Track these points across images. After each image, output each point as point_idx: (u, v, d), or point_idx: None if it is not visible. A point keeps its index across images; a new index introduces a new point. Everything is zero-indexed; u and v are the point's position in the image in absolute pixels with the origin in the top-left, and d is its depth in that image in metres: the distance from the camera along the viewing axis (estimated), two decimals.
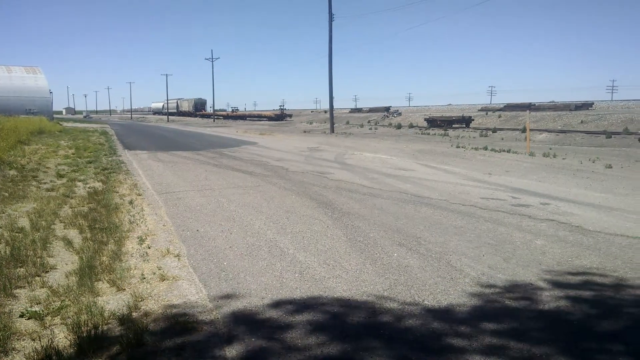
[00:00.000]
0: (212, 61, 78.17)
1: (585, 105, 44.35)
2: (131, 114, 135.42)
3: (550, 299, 4.44)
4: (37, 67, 62.32)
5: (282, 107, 79.25)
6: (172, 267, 5.38)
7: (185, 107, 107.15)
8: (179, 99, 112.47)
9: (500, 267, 5.35)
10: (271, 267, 5.33)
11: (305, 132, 40.54)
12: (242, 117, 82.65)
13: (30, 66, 62.16)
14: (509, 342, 3.63)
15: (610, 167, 13.66)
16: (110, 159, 16.96)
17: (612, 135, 22.77)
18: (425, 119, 40.91)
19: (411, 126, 40.24)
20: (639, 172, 12.81)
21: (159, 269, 5.25)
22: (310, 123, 56.71)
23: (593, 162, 14.89)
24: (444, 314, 4.15)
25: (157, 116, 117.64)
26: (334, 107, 41.43)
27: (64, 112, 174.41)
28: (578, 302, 4.39)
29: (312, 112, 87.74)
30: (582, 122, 28.99)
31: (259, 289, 4.71)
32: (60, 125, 47.03)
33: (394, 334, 3.77)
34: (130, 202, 8.89)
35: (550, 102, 59.90)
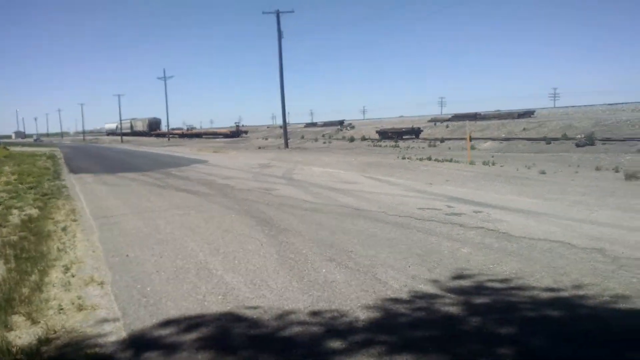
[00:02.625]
0: (165, 80, 77.26)
1: (528, 113, 45.99)
2: (84, 136, 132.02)
3: (451, 306, 4.58)
4: None
5: (237, 124, 78.78)
6: (93, 295, 5.27)
7: (140, 127, 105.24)
8: (132, 119, 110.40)
9: (423, 277, 5.48)
10: (195, 291, 5.29)
11: (259, 148, 40.48)
12: (198, 135, 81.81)
13: None
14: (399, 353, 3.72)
15: (544, 172, 14.20)
16: (52, 183, 16.47)
17: (552, 141, 23.69)
18: (377, 132, 41.54)
19: (364, 139, 40.78)
20: (571, 177, 13.36)
21: (79, 299, 5.13)
22: (266, 139, 56.65)
23: (529, 169, 15.44)
24: (349, 327, 4.21)
25: (111, 137, 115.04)
26: (289, 122, 41.65)
27: (13, 136, 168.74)
28: (478, 307, 4.54)
29: (268, 127, 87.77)
30: (524, 129, 30.05)
31: (178, 314, 4.66)
32: (7, 150, 45.43)
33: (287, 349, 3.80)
34: (64, 229, 8.66)
35: (495, 110, 61.91)
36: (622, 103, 61.07)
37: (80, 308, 4.87)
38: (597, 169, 14.49)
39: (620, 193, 10.42)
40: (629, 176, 11.94)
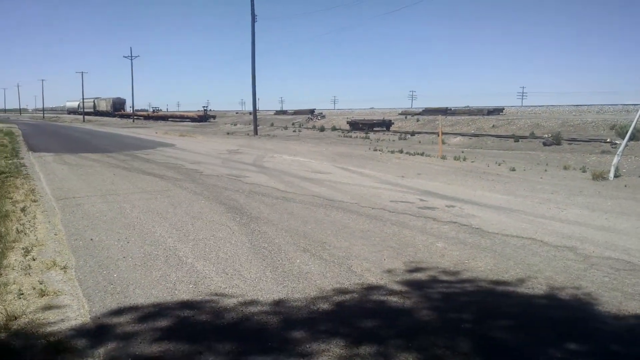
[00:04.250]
0: (132, 59, 75.25)
1: (497, 110, 46.70)
2: (43, 113, 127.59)
3: (427, 301, 4.52)
4: None
5: (205, 108, 77.43)
6: (55, 280, 4.99)
7: (103, 106, 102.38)
8: (96, 98, 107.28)
9: (399, 270, 5.40)
10: (165, 278, 5.07)
11: (228, 133, 39.90)
12: (164, 118, 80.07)
13: None
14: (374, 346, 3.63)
15: (514, 170, 14.39)
16: (10, 161, 15.76)
17: (520, 139, 24.08)
18: (348, 122, 41.46)
19: (334, 129, 40.66)
20: (539, 175, 13.57)
21: (41, 284, 4.85)
22: (235, 125, 55.91)
23: (499, 165, 15.63)
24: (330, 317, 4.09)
25: (72, 116, 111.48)
26: (259, 108, 41.16)
27: None
28: (454, 302, 4.49)
29: (237, 113, 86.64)
30: (493, 126, 30.48)
31: (147, 302, 4.45)
32: None
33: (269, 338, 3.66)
34: (23, 209, 8.24)
35: (465, 107, 62.64)
36: (587, 105, 62.56)
37: (42, 293, 4.59)
38: (565, 168, 14.77)
39: (588, 192, 10.61)
40: (596, 176, 12.19)
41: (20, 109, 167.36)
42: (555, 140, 21.63)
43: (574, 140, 22.05)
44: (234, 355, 3.54)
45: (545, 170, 14.45)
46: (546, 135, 23.43)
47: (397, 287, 4.89)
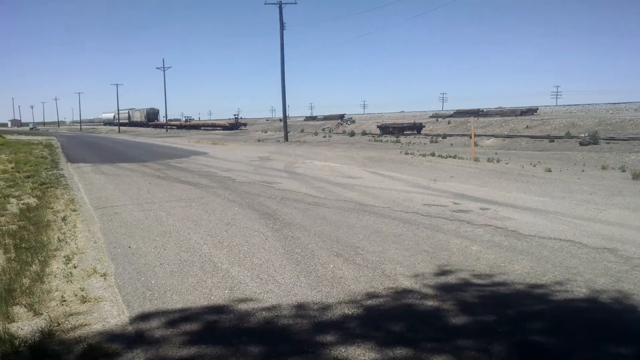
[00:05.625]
0: (164, 70, 76.96)
1: (531, 111, 45.85)
2: (80, 125, 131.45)
3: (463, 305, 4.45)
4: None
5: (236, 116, 78.48)
6: (96, 287, 5.13)
7: (137, 117, 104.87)
8: (130, 109, 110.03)
9: (433, 274, 5.35)
10: (201, 284, 5.16)
11: (259, 140, 40.30)
12: (196, 127, 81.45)
13: None
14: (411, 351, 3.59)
15: (549, 171, 14.09)
16: (50, 172, 16.29)
17: (555, 139, 23.58)
18: (378, 126, 41.37)
19: (364, 133, 40.61)
20: (576, 175, 13.25)
21: (82, 290, 5.00)
22: (265, 132, 56.44)
23: (534, 167, 15.33)
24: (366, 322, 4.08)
25: (108, 127, 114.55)
26: (289, 115, 41.44)
27: (9, 125, 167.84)
28: (491, 305, 4.42)
29: (267, 120, 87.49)
30: (527, 127, 29.93)
31: (184, 308, 4.53)
32: (3, 138, 45.20)
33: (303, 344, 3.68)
34: (64, 219, 8.51)
35: (498, 107, 61.72)
36: (625, 103, 60.74)
37: (83, 300, 4.73)
38: (603, 167, 14.39)
39: (628, 192, 10.31)
40: (637, 175, 11.83)
41: (58, 121, 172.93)
42: (593, 140, 21.09)
43: (612, 139, 21.46)
44: (269, 358, 3.57)
45: (583, 171, 14.10)
46: (582, 135, 22.87)
47: (431, 291, 4.85)
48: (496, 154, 19.88)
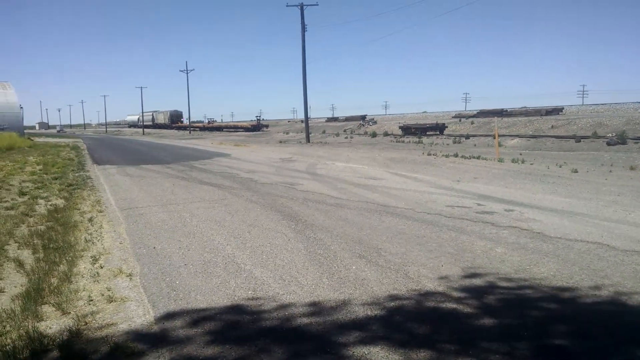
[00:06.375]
0: (187, 72, 77.86)
1: (556, 110, 45.09)
2: (106, 128, 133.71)
3: (488, 308, 4.40)
4: (7, 83, 61.07)
5: (258, 118, 79.10)
6: (122, 287, 5.22)
7: (161, 119, 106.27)
8: (154, 112, 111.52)
9: (457, 277, 5.30)
10: (225, 285, 5.20)
11: (281, 142, 40.45)
12: (219, 129, 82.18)
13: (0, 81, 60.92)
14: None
15: (576, 171, 13.84)
16: (77, 174, 16.62)
17: (581, 140, 23.15)
18: (400, 127, 41.16)
19: (386, 134, 40.44)
20: (604, 176, 12.99)
21: (108, 290, 5.08)
22: (287, 133, 56.64)
23: (560, 167, 15.07)
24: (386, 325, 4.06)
25: (132, 129, 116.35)
26: (311, 116, 41.54)
27: (37, 127, 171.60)
28: (516, 309, 4.35)
29: (288, 121, 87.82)
30: (552, 127, 29.44)
31: (208, 308, 4.57)
32: (31, 140, 46.21)
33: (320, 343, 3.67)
34: (90, 220, 8.67)
35: (522, 107, 60.87)
36: None
37: (110, 300, 4.81)
38: (632, 168, 14.07)
39: None
40: None
41: (84, 124, 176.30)
42: (620, 140, 20.64)
43: None
44: (292, 358, 3.58)
45: (610, 172, 13.81)
46: (610, 135, 22.40)
47: (455, 294, 4.80)
48: (521, 154, 19.59)
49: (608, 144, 20.68)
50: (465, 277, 5.30)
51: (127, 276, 5.57)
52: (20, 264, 6.09)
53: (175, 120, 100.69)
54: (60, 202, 10.61)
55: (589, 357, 3.59)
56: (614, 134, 22.02)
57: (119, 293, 5.02)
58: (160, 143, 43.88)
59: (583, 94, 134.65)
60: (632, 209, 8.67)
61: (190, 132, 75.69)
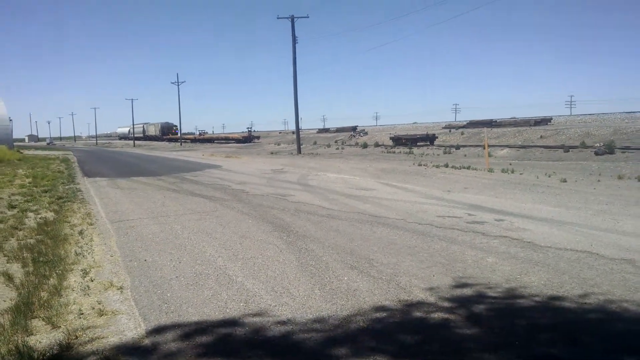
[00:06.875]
0: (178, 85, 77.90)
1: (545, 121, 45.47)
2: (96, 140, 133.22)
3: (480, 319, 4.42)
4: None
5: (249, 129, 79.02)
6: (113, 300, 5.18)
7: (152, 131, 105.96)
8: (145, 124, 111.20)
9: (448, 287, 5.32)
10: (216, 297, 5.18)
11: (272, 153, 40.49)
12: (210, 140, 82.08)
13: None
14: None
15: (565, 181, 13.97)
16: (67, 187, 16.51)
17: (570, 149, 23.37)
18: (391, 138, 41.34)
19: (377, 145, 40.60)
20: (592, 185, 13.12)
21: (99, 304, 5.05)
22: (278, 144, 56.69)
23: (549, 177, 15.21)
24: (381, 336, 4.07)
25: (123, 141, 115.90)
26: (302, 127, 41.62)
27: (26, 140, 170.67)
28: (507, 319, 4.38)
29: (280, 133, 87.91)
30: (541, 137, 29.72)
31: (200, 321, 4.56)
32: (20, 153, 45.89)
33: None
34: (80, 233, 8.61)
35: (511, 118, 61.40)
36: None
37: (100, 313, 4.78)
38: (620, 177, 14.23)
39: None
40: None
41: (74, 136, 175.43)
42: (608, 149, 20.88)
43: (627, 148, 21.21)
44: None
45: (599, 181, 13.96)
46: (598, 145, 22.65)
47: (446, 304, 4.82)
48: (510, 164, 19.76)
49: (596, 153, 20.91)
50: (456, 287, 5.32)
51: (118, 289, 5.53)
52: (9, 277, 6.03)
53: (166, 132, 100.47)
54: (50, 215, 10.54)
55: None
56: (602, 144, 22.27)
57: (109, 306, 4.99)
58: (151, 155, 43.74)
59: (571, 105, 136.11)
60: (621, 217, 8.76)
61: (181, 144, 75.56)
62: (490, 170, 17.41)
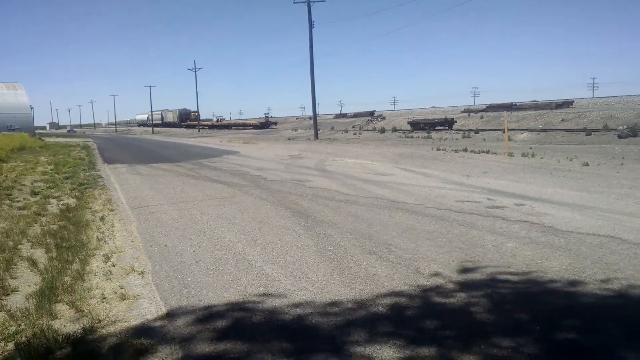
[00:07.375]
0: (195, 71, 78.05)
1: (566, 104, 44.71)
2: (115, 127, 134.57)
3: (499, 302, 4.39)
4: (17, 84, 61.69)
5: (267, 115, 79.10)
6: (134, 285, 5.26)
7: (170, 118, 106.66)
8: (163, 110, 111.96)
9: (467, 272, 5.29)
10: (236, 282, 5.23)
11: (289, 139, 40.49)
12: (227, 127, 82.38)
13: (10, 82, 61.52)
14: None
15: (587, 165, 13.74)
16: (88, 173, 16.74)
17: (592, 133, 22.95)
18: (409, 122, 41.04)
19: (395, 130, 40.34)
20: (615, 169, 12.88)
21: (121, 288, 5.13)
22: (295, 130, 56.67)
23: (570, 161, 14.97)
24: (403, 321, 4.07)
25: (142, 128, 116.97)
26: (319, 113, 41.49)
27: (47, 127, 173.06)
28: (528, 303, 4.34)
29: (297, 119, 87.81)
30: (562, 120, 29.22)
31: (220, 304, 4.60)
32: (42, 140, 46.60)
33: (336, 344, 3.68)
34: (102, 219, 8.74)
35: (532, 101, 60.46)
36: None
37: (122, 297, 4.85)
38: None
39: None
40: None
41: (94, 123, 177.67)
42: (632, 132, 20.44)
43: None
44: (302, 354, 3.60)
45: (622, 165, 13.70)
46: (621, 127, 22.19)
47: (466, 289, 4.79)
48: (531, 148, 19.49)
49: (619, 136, 20.49)
50: (475, 272, 5.29)
51: (139, 274, 5.61)
52: (33, 263, 6.15)
53: (184, 119, 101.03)
54: (71, 202, 10.70)
55: (601, 351, 3.57)
56: (625, 127, 21.81)
57: (131, 291, 5.07)
58: (169, 141, 44.08)
59: (593, 87, 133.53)
60: None
61: (199, 131, 75.96)
62: (510, 155, 17.19)
